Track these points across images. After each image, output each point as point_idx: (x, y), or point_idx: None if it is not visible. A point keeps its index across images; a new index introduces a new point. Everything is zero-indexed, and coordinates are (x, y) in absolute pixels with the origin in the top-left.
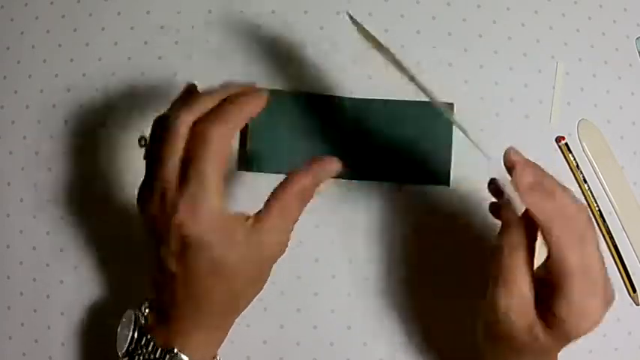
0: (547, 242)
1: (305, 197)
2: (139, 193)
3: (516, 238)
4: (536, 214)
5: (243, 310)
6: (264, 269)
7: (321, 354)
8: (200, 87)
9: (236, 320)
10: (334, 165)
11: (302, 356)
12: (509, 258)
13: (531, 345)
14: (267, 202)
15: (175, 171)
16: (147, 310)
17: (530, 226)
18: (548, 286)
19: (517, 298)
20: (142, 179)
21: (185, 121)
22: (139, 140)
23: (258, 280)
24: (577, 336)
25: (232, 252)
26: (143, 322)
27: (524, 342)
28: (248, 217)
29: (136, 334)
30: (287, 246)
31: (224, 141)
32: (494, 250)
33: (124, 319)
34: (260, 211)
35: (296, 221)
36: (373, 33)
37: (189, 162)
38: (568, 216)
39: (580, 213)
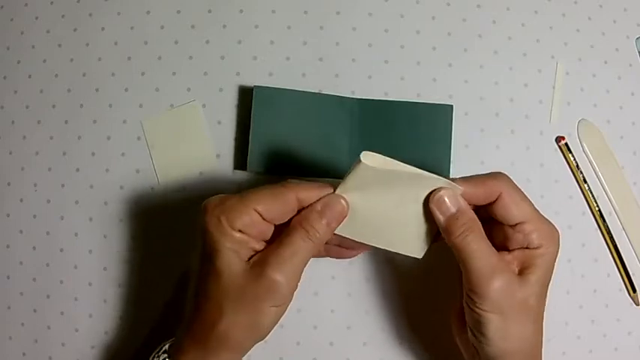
0: (507, 211)
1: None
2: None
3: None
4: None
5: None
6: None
7: (321, 354)
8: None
9: None
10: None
11: (302, 356)
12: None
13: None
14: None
15: None
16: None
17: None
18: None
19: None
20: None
21: None
22: None
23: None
24: (555, 248)
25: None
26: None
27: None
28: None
29: None
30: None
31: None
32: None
33: None
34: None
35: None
36: (373, 33)
37: None
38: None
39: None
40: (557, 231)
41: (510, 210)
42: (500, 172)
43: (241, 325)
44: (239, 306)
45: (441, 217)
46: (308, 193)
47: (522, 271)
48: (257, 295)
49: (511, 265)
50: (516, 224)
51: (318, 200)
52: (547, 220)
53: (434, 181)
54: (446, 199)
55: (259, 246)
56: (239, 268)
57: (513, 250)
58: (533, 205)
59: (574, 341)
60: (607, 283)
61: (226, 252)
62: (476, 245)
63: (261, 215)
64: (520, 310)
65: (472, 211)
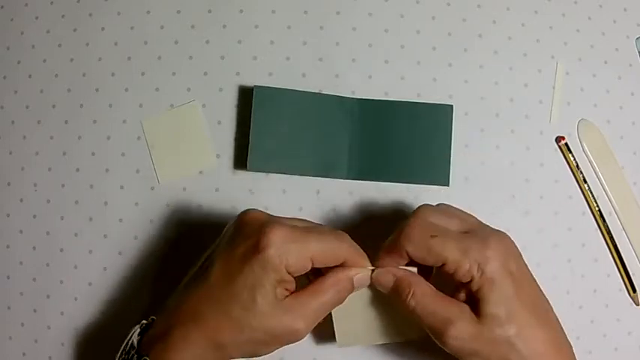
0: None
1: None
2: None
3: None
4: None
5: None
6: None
7: (321, 354)
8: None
9: None
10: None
11: (302, 356)
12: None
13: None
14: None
15: None
16: (138, 332)
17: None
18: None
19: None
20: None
21: None
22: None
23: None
24: (496, 263)
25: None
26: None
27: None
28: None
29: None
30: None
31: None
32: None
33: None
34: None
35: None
36: (373, 33)
37: None
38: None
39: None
40: (495, 240)
41: (424, 257)
42: (404, 223)
43: (246, 351)
44: (254, 336)
45: (385, 291)
46: (357, 260)
47: (477, 306)
48: (278, 334)
49: (465, 306)
50: (441, 266)
51: (356, 271)
52: (473, 237)
53: None
54: (381, 276)
55: (293, 284)
56: (272, 304)
57: (462, 287)
58: (448, 234)
59: (574, 341)
60: (607, 283)
61: (269, 288)
62: (419, 305)
63: (311, 262)
64: (495, 345)
65: (411, 275)
